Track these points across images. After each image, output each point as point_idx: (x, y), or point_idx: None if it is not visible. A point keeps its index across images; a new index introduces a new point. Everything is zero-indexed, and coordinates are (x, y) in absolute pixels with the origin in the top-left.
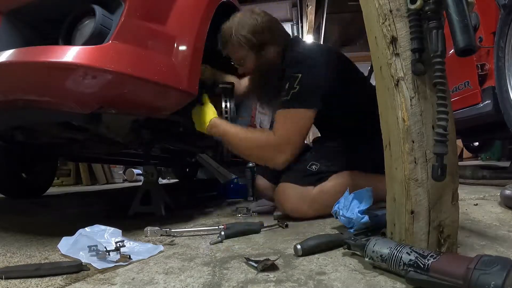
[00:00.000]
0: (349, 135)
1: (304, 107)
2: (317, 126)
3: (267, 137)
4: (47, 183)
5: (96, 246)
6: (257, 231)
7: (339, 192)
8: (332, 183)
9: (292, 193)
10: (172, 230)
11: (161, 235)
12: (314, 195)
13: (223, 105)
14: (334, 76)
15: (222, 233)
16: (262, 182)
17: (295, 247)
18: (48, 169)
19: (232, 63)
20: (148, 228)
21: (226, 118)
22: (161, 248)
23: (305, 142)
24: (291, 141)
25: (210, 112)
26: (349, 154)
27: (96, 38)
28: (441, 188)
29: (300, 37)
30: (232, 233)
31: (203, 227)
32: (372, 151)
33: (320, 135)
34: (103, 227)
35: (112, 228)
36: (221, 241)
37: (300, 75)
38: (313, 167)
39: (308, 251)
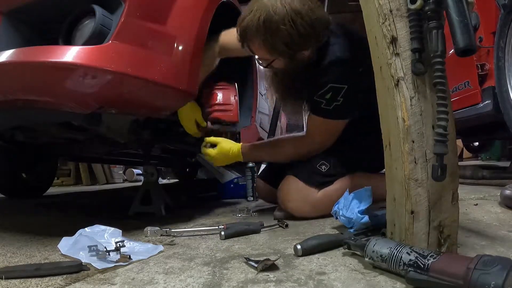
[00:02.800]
0: (358, 134)
1: (343, 119)
2: None
3: (304, 143)
4: (47, 183)
5: (96, 246)
6: (257, 231)
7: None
8: (336, 187)
9: (296, 195)
10: (172, 230)
11: (161, 235)
12: (318, 198)
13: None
14: (372, 82)
15: (222, 233)
16: (262, 185)
17: (295, 247)
18: (48, 169)
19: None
20: (148, 228)
21: None
22: (161, 248)
23: None
24: (323, 146)
25: (230, 145)
26: (357, 154)
27: (96, 38)
28: (441, 188)
29: (338, 25)
30: (232, 233)
31: (203, 227)
32: (375, 151)
33: None
34: (103, 227)
35: (112, 228)
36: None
37: (345, 87)
38: (323, 167)
39: (308, 251)
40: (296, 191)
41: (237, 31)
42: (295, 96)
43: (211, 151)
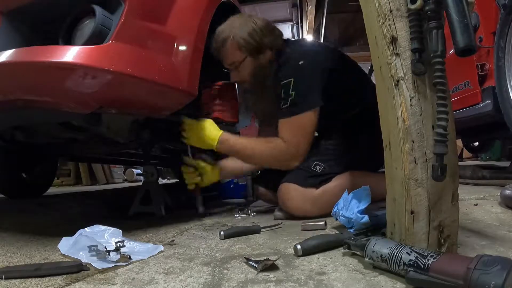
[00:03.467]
0: (351, 134)
1: (306, 111)
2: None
3: (278, 146)
4: (47, 183)
5: (96, 246)
6: (257, 231)
7: (342, 191)
8: (334, 183)
9: (295, 193)
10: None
11: None
12: (317, 195)
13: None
14: (328, 67)
15: (222, 232)
16: (261, 190)
17: (295, 247)
18: (48, 169)
19: (225, 69)
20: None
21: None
22: (161, 248)
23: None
24: (300, 147)
25: (213, 128)
26: (352, 154)
27: (96, 38)
28: (441, 188)
29: (295, 38)
30: (232, 233)
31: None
32: (374, 150)
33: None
34: (103, 227)
35: (112, 228)
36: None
37: (292, 79)
38: (318, 167)
39: (308, 251)
40: (294, 190)
41: (213, 51)
42: (269, 108)
43: (190, 122)
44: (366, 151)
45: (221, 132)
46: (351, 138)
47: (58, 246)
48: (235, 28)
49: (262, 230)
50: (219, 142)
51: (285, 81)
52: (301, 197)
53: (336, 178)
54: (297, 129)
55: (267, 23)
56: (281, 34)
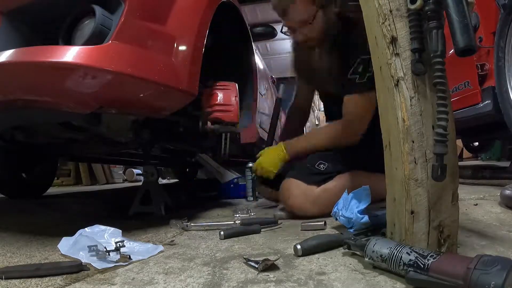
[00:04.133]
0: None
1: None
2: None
3: (342, 123)
4: (47, 183)
5: (96, 246)
6: (257, 231)
7: (342, 191)
8: (335, 182)
9: (296, 192)
10: (192, 224)
11: (181, 228)
12: (317, 194)
13: (223, 144)
14: None
15: (222, 232)
16: (263, 188)
17: (295, 247)
18: (48, 169)
19: (293, 31)
20: (173, 221)
21: (224, 155)
22: (161, 248)
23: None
24: (363, 122)
25: (272, 150)
26: (355, 154)
27: (96, 38)
28: (441, 188)
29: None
30: (232, 233)
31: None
32: (379, 149)
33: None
34: (103, 227)
35: (112, 228)
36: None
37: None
38: (321, 166)
39: (308, 251)
40: (296, 187)
41: (273, 7)
42: (322, 75)
43: (258, 162)
44: (370, 151)
45: (280, 144)
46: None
47: (58, 246)
48: None
49: (262, 230)
50: (289, 153)
51: (366, 57)
52: (303, 195)
53: (337, 178)
54: (367, 105)
55: None
56: None
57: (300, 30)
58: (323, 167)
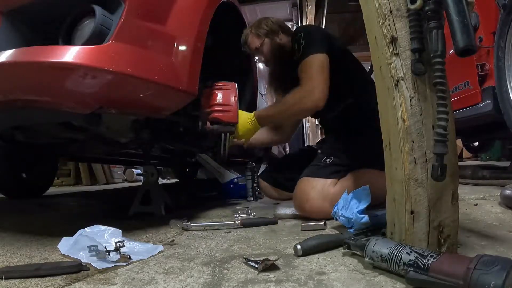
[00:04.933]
0: (357, 133)
1: (316, 52)
2: (324, 126)
3: (297, 91)
4: (47, 183)
5: (96, 246)
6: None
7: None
8: (352, 180)
9: (313, 193)
10: (192, 224)
11: (182, 228)
12: (335, 193)
13: (222, 144)
14: (331, 40)
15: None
16: (265, 185)
17: (295, 247)
18: (48, 169)
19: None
20: (173, 221)
21: (223, 155)
22: (161, 248)
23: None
24: (316, 84)
25: (245, 116)
26: (360, 151)
27: (96, 38)
28: (441, 188)
29: None
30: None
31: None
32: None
33: (324, 136)
34: (103, 227)
35: (112, 228)
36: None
37: (301, 33)
38: (327, 160)
39: (308, 251)
40: (312, 188)
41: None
42: (286, 85)
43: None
44: (373, 148)
45: (252, 114)
46: (356, 134)
47: (58, 246)
48: (254, 23)
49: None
50: (257, 120)
51: (295, 38)
52: (320, 196)
53: (353, 174)
54: (311, 68)
55: (278, 19)
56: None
57: (258, 57)
58: (329, 161)
